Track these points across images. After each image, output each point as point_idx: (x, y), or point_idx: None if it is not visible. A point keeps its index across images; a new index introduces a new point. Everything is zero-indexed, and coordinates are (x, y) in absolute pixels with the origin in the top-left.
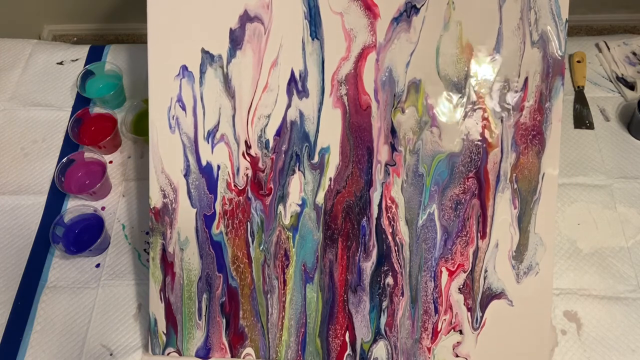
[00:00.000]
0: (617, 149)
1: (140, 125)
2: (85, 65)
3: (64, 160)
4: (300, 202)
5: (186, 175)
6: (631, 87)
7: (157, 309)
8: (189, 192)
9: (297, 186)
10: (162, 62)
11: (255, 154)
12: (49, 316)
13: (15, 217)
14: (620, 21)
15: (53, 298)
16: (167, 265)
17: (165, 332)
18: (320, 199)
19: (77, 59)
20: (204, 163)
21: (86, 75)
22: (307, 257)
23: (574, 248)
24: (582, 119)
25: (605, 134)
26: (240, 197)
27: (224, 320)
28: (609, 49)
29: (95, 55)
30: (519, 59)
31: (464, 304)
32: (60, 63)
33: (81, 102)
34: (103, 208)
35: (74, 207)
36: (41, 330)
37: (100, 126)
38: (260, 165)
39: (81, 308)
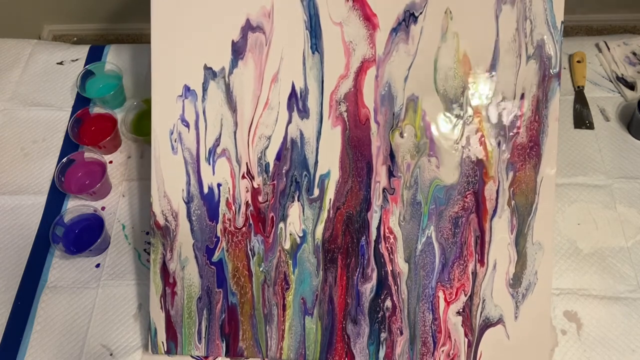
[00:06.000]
0: (617, 149)
1: (140, 125)
2: (85, 65)
3: (64, 160)
4: (301, 234)
5: (188, 203)
6: (631, 87)
7: (158, 319)
8: (190, 221)
9: (296, 212)
10: (165, 84)
11: (258, 185)
12: (49, 316)
13: (15, 217)
14: (620, 21)
15: (53, 298)
16: (167, 279)
17: (165, 345)
18: (319, 233)
19: (77, 59)
20: (205, 190)
21: (86, 75)
22: (306, 294)
23: (574, 248)
24: (582, 119)
25: (605, 134)
26: (243, 228)
27: (224, 344)
28: (609, 49)
29: (95, 55)
30: (514, 74)
31: (462, 326)
32: (60, 63)
33: (81, 102)
34: (103, 208)
35: (74, 207)
36: (41, 330)
37: (100, 126)
38: (260, 199)
39: (81, 308)
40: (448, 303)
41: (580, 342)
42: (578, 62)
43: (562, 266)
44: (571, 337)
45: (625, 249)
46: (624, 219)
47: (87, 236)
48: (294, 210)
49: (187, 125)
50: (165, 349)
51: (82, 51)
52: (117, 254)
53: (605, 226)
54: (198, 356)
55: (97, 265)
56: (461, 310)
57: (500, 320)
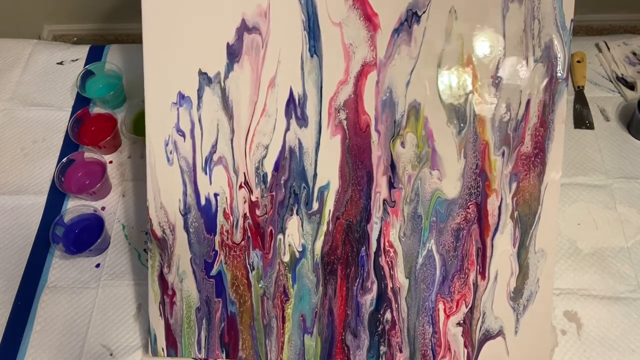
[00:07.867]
0: (617, 149)
1: (140, 125)
2: (85, 65)
3: (64, 160)
4: (300, 249)
5: (185, 215)
6: (631, 87)
7: (157, 326)
8: (187, 232)
9: (295, 225)
10: (158, 91)
11: (256, 198)
12: (49, 316)
13: (15, 217)
14: (620, 21)
15: (53, 298)
16: (165, 289)
17: (165, 351)
18: (318, 249)
19: (77, 59)
20: (202, 201)
21: (86, 75)
22: (305, 311)
23: (574, 248)
24: (582, 119)
25: (605, 134)
26: (242, 242)
27: (224, 354)
28: (609, 49)
29: (95, 55)
30: (521, 79)
31: (461, 337)
32: (60, 63)
33: (81, 102)
34: (103, 208)
35: (74, 207)
36: (41, 330)
37: (100, 126)
38: (258, 212)
39: (81, 308)
40: (448, 316)
41: (580, 342)
42: (578, 62)
43: (562, 266)
44: (571, 337)
45: (625, 249)
46: (624, 219)
47: (87, 236)
48: (293, 223)
49: (183, 135)
50: (165, 355)
51: (82, 51)
52: (117, 254)
53: (605, 226)
54: (199, 357)
55: (97, 265)
56: (461, 321)
57: (500, 333)
